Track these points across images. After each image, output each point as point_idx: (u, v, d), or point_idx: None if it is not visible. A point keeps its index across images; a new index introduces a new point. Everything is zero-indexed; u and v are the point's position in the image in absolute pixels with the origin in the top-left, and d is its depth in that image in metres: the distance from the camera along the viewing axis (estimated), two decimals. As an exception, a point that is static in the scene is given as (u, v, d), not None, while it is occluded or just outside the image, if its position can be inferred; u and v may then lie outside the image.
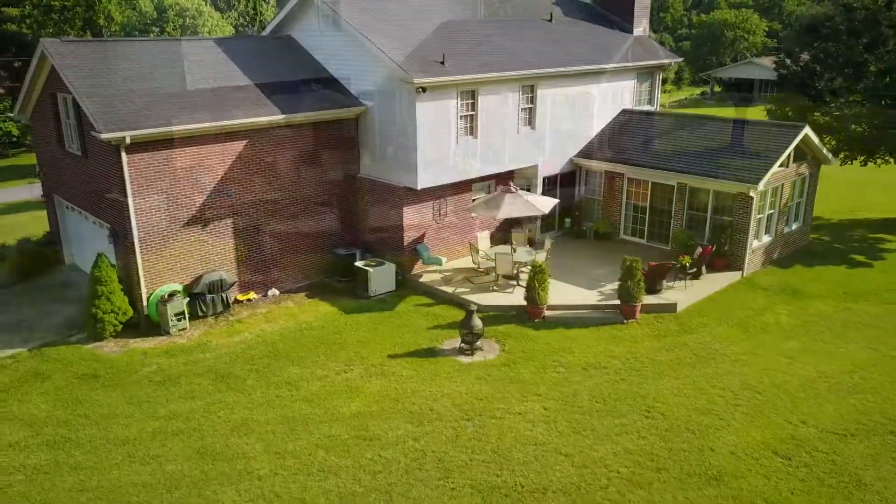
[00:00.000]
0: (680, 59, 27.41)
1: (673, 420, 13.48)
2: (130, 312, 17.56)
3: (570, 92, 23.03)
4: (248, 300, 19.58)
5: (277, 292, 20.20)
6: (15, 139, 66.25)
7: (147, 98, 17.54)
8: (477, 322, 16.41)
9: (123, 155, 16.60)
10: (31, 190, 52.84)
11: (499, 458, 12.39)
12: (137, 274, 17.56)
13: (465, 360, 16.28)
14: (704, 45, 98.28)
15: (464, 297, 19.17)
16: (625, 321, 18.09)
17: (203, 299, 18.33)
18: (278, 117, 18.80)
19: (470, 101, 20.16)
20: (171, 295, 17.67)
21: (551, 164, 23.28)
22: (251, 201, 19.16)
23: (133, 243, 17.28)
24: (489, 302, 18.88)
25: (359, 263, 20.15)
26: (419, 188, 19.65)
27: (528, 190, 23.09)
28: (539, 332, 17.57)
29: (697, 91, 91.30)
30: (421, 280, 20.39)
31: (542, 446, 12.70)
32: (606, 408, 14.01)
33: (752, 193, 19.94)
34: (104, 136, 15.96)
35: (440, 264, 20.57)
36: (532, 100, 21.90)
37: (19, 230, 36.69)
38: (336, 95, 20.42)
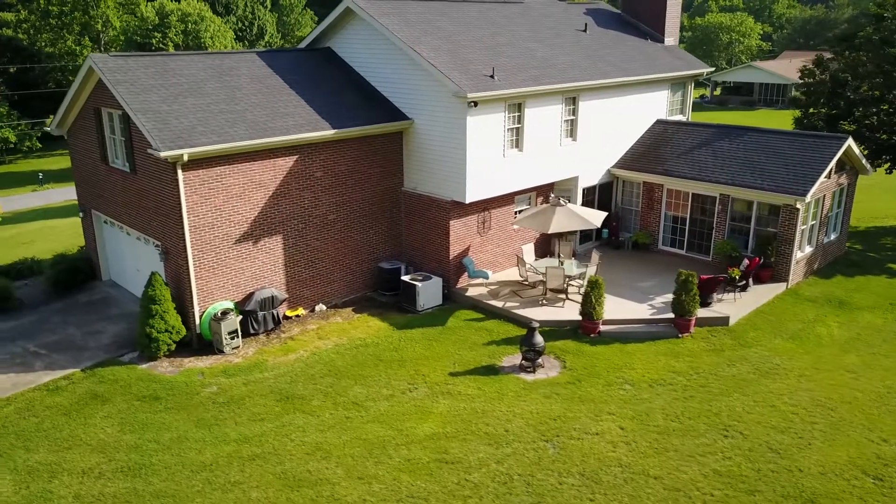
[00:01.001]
0: (712, 70, 27.45)
1: (753, 439, 13.44)
2: (184, 331, 17.32)
3: (610, 103, 23.01)
4: (297, 316, 19.39)
5: (324, 307, 20.01)
6: (12, 145, 65.61)
7: (199, 114, 17.33)
8: (539, 339, 16.33)
9: (179, 172, 16.38)
10: (32, 198, 52.37)
11: (588, 481, 12.30)
12: (190, 292, 17.33)
13: (527, 377, 16.18)
14: (699, 48, 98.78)
15: (515, 311, 19.07)
16: (680, 335, 18.06)
17: (255, 317, 18.12)
18: (329, 132, 18.63)
19: (516, 114, 20.09)
20: (225, 313, 17.45)
21: (591, 175, 23.24)
22: (300, 216, 18.97)
23: (187, 261, 17.04)
24: (541, 316, 18.77)
25: (405, 277, 20.01)
26: (467, 202, 19.54)
27: (569, 202, 23.06)
28: (596, 347, 17.50)
29: (696, 94, 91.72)
30: (467, 294, 20.27)
31: (629, 468, 12.62)
32: (683, 427, 13.95)
33: (798, 205, 19.97)
34: (163, 154, 15.73)
35: (486, 278, 20.46)
36: (574, 111, 21.85)
37: (33, 241, 36.32)
38: (381, 109, 20.27)
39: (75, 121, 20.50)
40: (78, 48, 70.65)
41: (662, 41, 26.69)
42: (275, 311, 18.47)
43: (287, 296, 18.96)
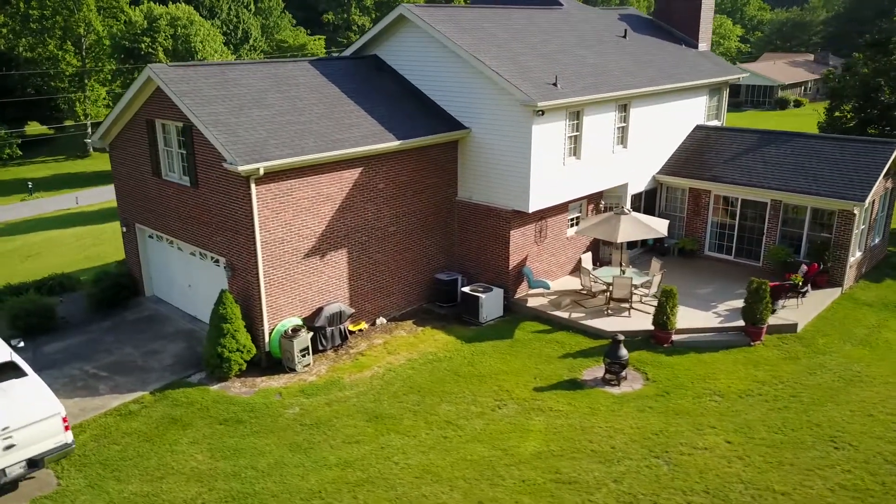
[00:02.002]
0: (746, 74, 27.58)
1: (865, 451, 13.38)
2: (254, 350, 16.78)
3: (656, 109, 22.95)
4: (360, 330, 18.95)
5: (385, 320, 19.60)
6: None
7: (268, 125, 16.82)
8: (624, 352, 16.12)
9: (253, 187, 15.86)
10: (22, 208, 50.87)
11: (715, 499, 12.11)
12: (260, 309, 16.80)
13: (614, 391, 15.97)
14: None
15: (583, 322, 18.87)
16: (752, 343, 18.00)
17: (324, 333, 17.65)
18: (395, 143, 18.24)
19: (575, 122, 19.90)
20: (296, 330, 16.95)
21: (638, 182, 23.16)
22: (363, 228, 18.54)
23: (258, 277, 16.52)
24: (610, 327, 18.58)
25: (466, 289, 19.68)
26: (530, 211, 19.28)
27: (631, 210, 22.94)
28: (673, 357, 17.36)
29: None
30: (528, 305, 20.00)
31: (752, 484, 12.46)
32: (789, 439, 13.85)
33: (856, 210, 20.08)
34: (241, 168, 15.20)
35: (548, 288, 20.21)
36: (625, 119, 21.73)
37: (39, 254, 35.21)
38: (437, 118, 19.93)
39: (121, 132, 19.78)
40: (60, 53, 68.99)
41: (696, 46, 26.74)
42: (342, 327, 18.02)
43: (353, 310, 18.50)
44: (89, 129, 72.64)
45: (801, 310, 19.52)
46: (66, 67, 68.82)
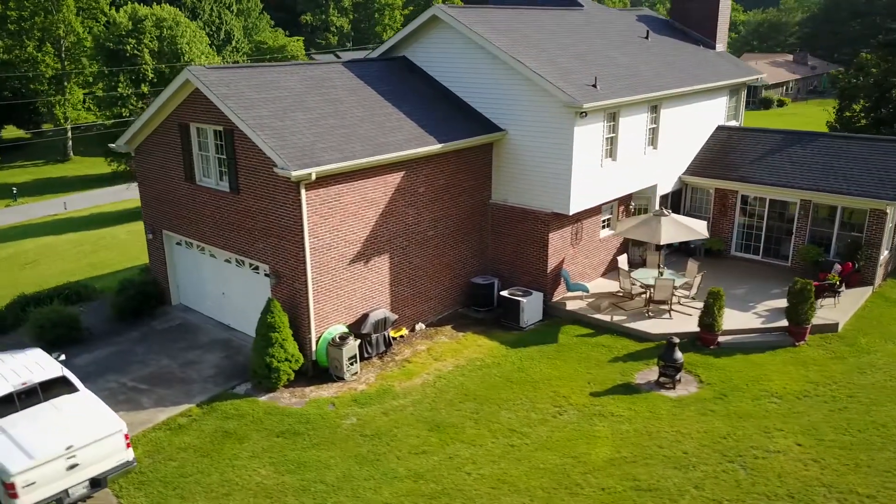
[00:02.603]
0: (763, 75, 27.75)
1: (937, 450, 13.41)
2: (302, 359, 16.36)
3: (684, 110, 22.94)
4: (401, 336, 18.62)
5: (424, 326, 19.29)
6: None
7: (313, 129, 16.43)
8: (679, 355, 16.02)
9: (303, 192, 15.45)
10: (7, 214, 49.52)
11: None
12: (308, 317, 16.40)
13: (670, 394, 15.85)
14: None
15: (626, 325, 18.74)
16: (796, 343, 18.00)
17: (369, 340, 17.29)
18: (436, 147, 17.95)
19: (611, 124, 19.77)
20: (343, 338, 16.57)
21: (667, 183, 23.13)
22: (404, 233, 18.22)
23: (306, 284, 16.11)
24: (655, 329, 18.49)
25: (504, 293, 19.44)
26: (571, 213, 19.11)
27: (646, 210, 22.92)
28: (721, 359, 17.30)
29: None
30: (567, 308, 19.82)
31: (834, 488, 12.40)
32: (858, 440, 13.83)
33: (888, 209, 20.24)
34: (295, 173, 14.79)
35: (586, 291, 20.05)
36: (656, 120, 21.68)
37: (37, 261, 34.22)
38: (472, 120, 19.66)
39: (149, 137, 19.21)
40: (39, 55, 67.42)
41: (714, 47, 26.82)
42: (386, 333, 17.67)
43: (397, 316, 18.16)
44: (69, 133, 71.14)
45: (839, 309, 19.59)
46: (45, 70, 67.27)
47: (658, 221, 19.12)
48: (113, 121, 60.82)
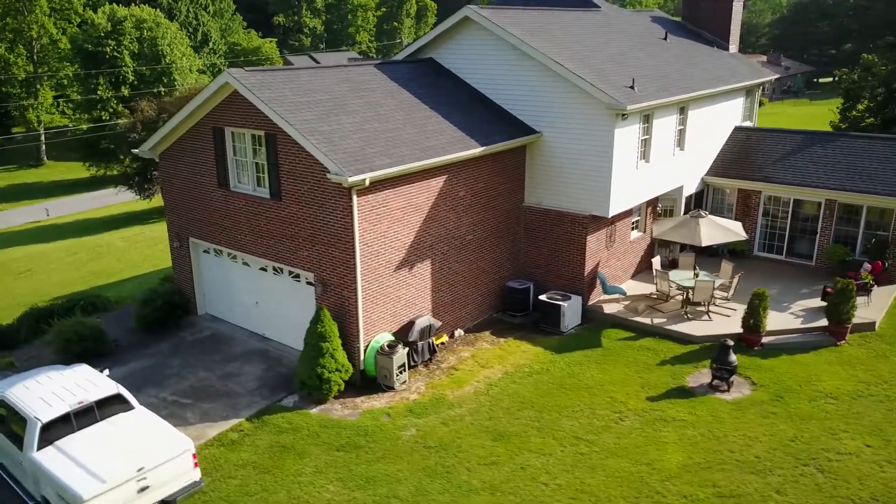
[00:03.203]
0: (777, 76, 27.96)
1: None
2: (351, 369, 15.93)
3: (707, 112, 22.98)
4: (442, 343, 18.28)
5: (462, 332, 18.98)
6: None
7: (360, 133, 16.03)
8: (733, 357, 15.95)
9: (355, 198, 15.04)
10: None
11: (888, 505, 11.99)
12: (357, 325, 15.98)
13: (726, 397, 15.77)
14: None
15: (668, 328, 18.65)
16: (837, 343, 18.08)
17: (415, 347, 16.93)
18: (477, 150, 17.65)
19: (645, 125, 19.69)
20: (392, 346, 16.18)
21: (691, 184, 23.15)
22: (445, 238, 17.89)
23: (355, 292, 15.70)
24: (696, 331, 18.44)
25: (543, 297, 19.21)
26: (610, 216, 18.97)
27: (672, 212, 22.92)
28: (768, 360, 17.29)
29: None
30: (606, 311, 19.67)
31: (914, 488, 12.40)
32: (925, 439, 13.88)
33: (915, 209, 20.49)
34: (351, 178, 14.38)
35: (623, 293, 19.93)
36: (683, 121, 21.67)
37: (30, 270, 33.10)
38: (506, 122, 19.41)
39: (176, 142, 18.59)
40: (11, 56, 65.46)
41: (727, 48, 26.95)
42: (430, 340, 17.33)
43: (441, 323, 17.83)
44: (42, 137, 69.16)
45: (872, 308, 19.74)
46: (17, 72, 65.29)
47: (696, 223, 19.07)
48: (90, 125, 59.30)
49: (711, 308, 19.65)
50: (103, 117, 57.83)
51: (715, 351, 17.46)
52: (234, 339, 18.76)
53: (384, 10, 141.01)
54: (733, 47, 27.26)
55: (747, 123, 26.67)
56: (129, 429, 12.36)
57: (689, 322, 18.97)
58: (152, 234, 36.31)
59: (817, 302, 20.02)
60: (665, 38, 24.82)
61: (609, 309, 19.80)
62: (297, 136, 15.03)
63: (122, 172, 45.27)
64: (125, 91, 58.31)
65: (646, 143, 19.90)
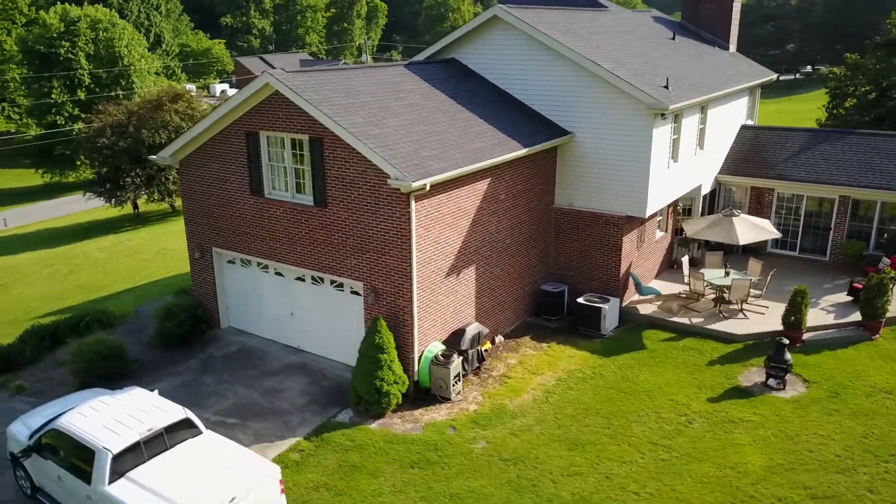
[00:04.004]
0: (777, 75, 28.42)
1: None
2: (407, 381, 15.35)
3: (723, 111, 23.16)
4: (486, 350, 17.81)
5: (503, 338, 18.56)
6: None
7: (410, 137, 15.46)
8: (788, 355, 15.98)
9: (413, 204, 14.48)
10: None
11: (981, 499, 12.09)
12: (411, 335, 15.41)
13: (783, 395, 15.79)
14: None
15: (708, 327, 18.63)
16: (872, 337, 18.35)
17: (466, 356, 16.44)
18: (521, 151, 17.28)
19: (676, 125, 19.65)
20: (446, 356, 15.66)
21: (708, 183, 23.28)
22: (488, 242, 17.46)
23: (411, 301, 15.13)
24: (736, 330, 18.47)
25: (581, 300, 18.98)
26: (647, 216, 18.85)
27: (690, 211, 23.00)
28: (812, 357, 17.41)
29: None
30: (641, 313, 19.55)
31: None
32: None
33: (930, 203, 21.01)
34: (415, 183, 13.81)
35: (658, 294, 19.84)
36: (704, 120, 21.75)
37: (6, 284, 31.20)
38: (538, 123, 19.09)
39: (200, 148, 17.64)
40: (-47, 59, 62.20)
41: (728, 48, 27.26)
42: (479, 348, 16.87)
43: (488, 330, 17.37)
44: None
45: (895, 302, 20.12)
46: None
47: (730, 222, 19.12)
48: (43, 130, 56.62)
49: (744, 306, 19.72)
50: (59, 122, 55.25)
51: (758, 349, 17.58)
52: (267, 352, 17.91)
53: (333, 11, 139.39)
54: (732, 47, 27.59)
55: (749, 122, 27.02)
56: (206, 455, 11.55)
57: (727, 321, 18.99)
58: (132, 244, 34.73)
59: (842, 297, 20.33)
60: (673, 38, 24.92)
61: (644, 310, 19.69)
62: (353, 140, 14.37)
63: (91, 178, 43.27)
64: (81, 94, 55.85)
65: (675, 143, 19.86)
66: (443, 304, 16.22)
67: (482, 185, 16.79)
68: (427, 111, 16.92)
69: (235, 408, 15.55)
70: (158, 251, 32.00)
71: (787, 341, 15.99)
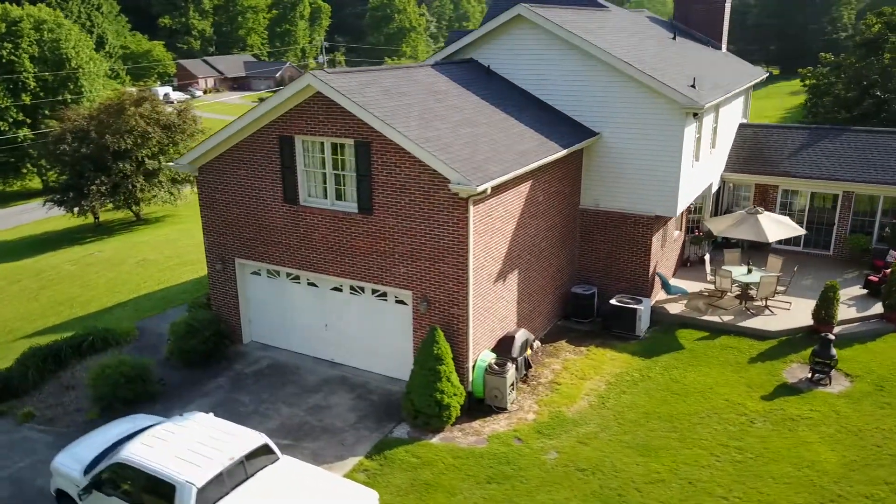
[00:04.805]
0: (768, 74, 28.95)
1: None
2: (464, 392, 14.85)
3: (729, 109, 23.42)
4: (530, 356, 17.43)
5: (539, 343, 18.22)
6: None
7: (461, 139, 14.97)
8: (834, 350, 16.15)
9: (471, 208, 14.00)
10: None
11: None
12: (466, 344, 14.92)
13: (831, 390, 15.94)
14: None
15: (741, 325, 18.72)
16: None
17: (516, 363, 16.02)
18: (562, 153, 16.98)
19: (699, 124, 19.71)
20: (500, 364, 15.22)
21: (716, 181, 23.50)
22: (528, 245, 17.11)
23: (466, 309, 14.64)
24: (768, 326, 18.61)
25: (614, 301, 18.81)
26: (677, 215, 18.83)
27: (700, 209, 23.17)
28: (846, 350, 17.64)
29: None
30: (671, 312, 19.52)
31: None
32: None
33: (932, 197, 21.70)
34: (479, 187, 13.33)
35: (686, 293, 19.86)
36: (716, 119, 21.92)
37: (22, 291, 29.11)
38: (567, 123, 18.84)
39: (222, 155, 16.71)
40: None
41: (720, 48, 27.64)
42: (526, 356, 16.49)
43: (534, 336, 16.99)
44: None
45: (908, 293, 20.65)
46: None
47: (756, 219, 19.27)
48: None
49: (768, 302, 19.92)
50: (2, 128, 52.24)
51: (792, 345, 17.80)
52: (301, 367, 17.10)
53: (275, 12, 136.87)
54: (723, 47, 27.98)
55: (743, 120, 27.47)
56: (291, 482, 10.82)
57: (755, 318, 19.13)
58: (104, 256, 32.92)
59: (857, 290, 20.76)
60: (674, 38, 25.06)
61: (673, 309, 19.66)
62: (409, 144, 13.77)
63: (54, 185, 41.03)
64: (26, 99, 52.97)
65: (698, 142, 19.91)
66: (491, 310, 15.77)
67: (525, 188, 16.41)
68: (468, 113, 16.44)
69: (284, 428, 14.73)
70: (138, 262, 30.43)
71: (832, 337, 16.16)
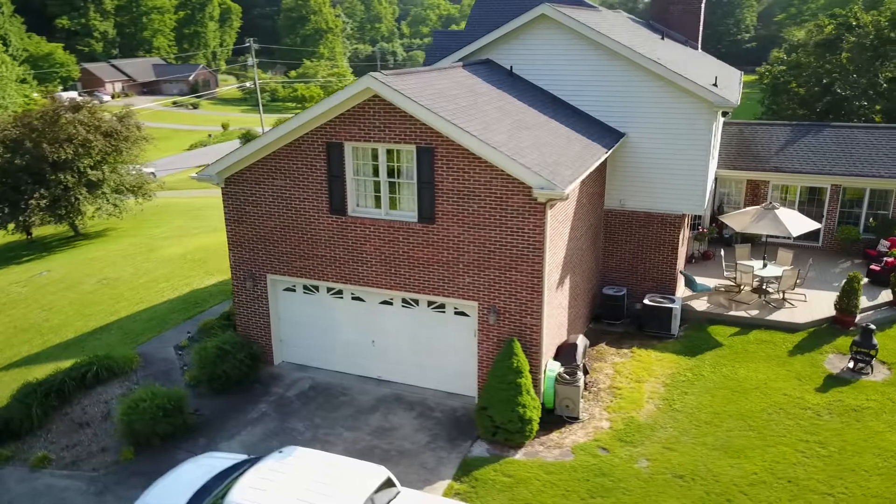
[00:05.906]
0: (740, 72, 29.79)
1: None
2: (540, 404, 14.36)
3: (723, 107, 23.85)
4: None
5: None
6: None
7: (523, 143, 14.45)
8: (875, 340, 16.65)
9: (548, 214, 13.55)
10: None
11: None
12: (539, 354, 14.44)
13: (875, 379, 16.43)
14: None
15: (769, 318, 19.06)
16: (908, 316, 19.63)
17: (579, 370, 15.66)
18: (607, 154, 16.72)
19: (716, 122, 19.95)
20: (570, 373, 14.84)
21: (712, 176, 23.94)
22: (575, 249, 16.79)
23: (539, 318, 14.18)
24: (795, 319, 19.03)
25: (647, 301, 18.79)
26: (702, 213, 18.99)
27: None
28: (872, 339, 18.28)
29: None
30: (699, 309, 19.68)
31: None
32: None
33: (916, 188, 22.88)
34: (567, 191, 12.90)
35: (709, 290, 20.07)
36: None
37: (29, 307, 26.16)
38: (595, 124, 18.67)
39: (255, 164, 15.54)
40: None
41: (697, 48, 28.24)
42: (585, 362, 16.17)
43: (588, 341, 16.67)
44: None
45: (905, 280, 21.64)
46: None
47: (774, 215, 19.68)
48: None
49: (786, 295, 20.40)
50: None
51: (821, 336, 18.33)
52: (347, 387, 16.13)
53: (182, 13, 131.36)
54: (699, 47, 28.61)
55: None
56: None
57: (778, 311, 19.53)
58: (55, 276, 30.29)
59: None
60: (662, 39, 25.37)
61: (700, 307, 19.83)
62: (486, 149, 13.15)
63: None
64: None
65: (715, 139, 20.16)
66: (553, 317, 15.37)
67: (576, 191, 16.09)
68: (515, 115, 15.95)
69: (352, 454, 13.78)
70: (99, 282, 28.15)
71: (873, 326, 16.64)
